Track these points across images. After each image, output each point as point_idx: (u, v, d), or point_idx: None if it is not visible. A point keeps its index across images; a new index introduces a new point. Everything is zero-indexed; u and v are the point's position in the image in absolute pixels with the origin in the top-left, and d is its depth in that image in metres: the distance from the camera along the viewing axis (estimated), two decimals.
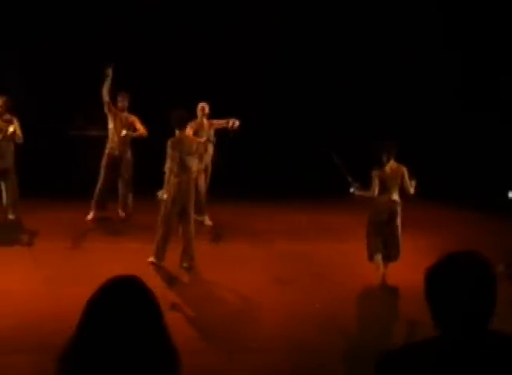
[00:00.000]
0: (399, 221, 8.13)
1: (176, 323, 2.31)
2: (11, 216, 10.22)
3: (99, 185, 10.45)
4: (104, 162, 10.48)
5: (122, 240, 9.66)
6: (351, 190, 8.14)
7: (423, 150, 12.16)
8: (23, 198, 10.38)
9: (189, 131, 10.15)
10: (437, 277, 2.26)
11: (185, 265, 8.45)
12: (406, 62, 12.73)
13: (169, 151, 8.39)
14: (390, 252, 8.16)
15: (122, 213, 10.62)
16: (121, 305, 2.14)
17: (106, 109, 10.27)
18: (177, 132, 8.55)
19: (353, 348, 6.42)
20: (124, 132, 10.26)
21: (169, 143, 8.44)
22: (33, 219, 10.32)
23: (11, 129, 9.78)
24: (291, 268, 8.52)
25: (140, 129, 10.41)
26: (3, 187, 10.22)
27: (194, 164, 8.60)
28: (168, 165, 8.39)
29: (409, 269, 8.32)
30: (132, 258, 8.38)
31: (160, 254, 8.42)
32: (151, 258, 8.39)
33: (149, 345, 2.12)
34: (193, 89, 11.34)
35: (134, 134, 10.40)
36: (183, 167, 8.42)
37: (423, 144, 12.45)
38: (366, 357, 5.88)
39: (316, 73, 12.88)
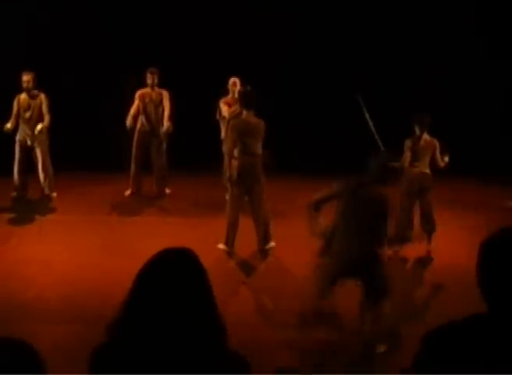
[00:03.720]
0: (431, 195, 8.20)
1: (219, 297, 2.29)
2: (47, 192, 10.33)
3: (132, 163, 10.51)
4: (135, 140, 10.47)
5: (162, 214, 9.72)
6: None
7: (467, 126, 11.99)
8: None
9: (224, 107, 10.07)
10: (492, 251, 2.22)
11: (261, 247, 8.20)
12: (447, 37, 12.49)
13: (229, 133, 8.05)
14: (427, 225, 8.23)
15: (165, 190, 10.66)
16: (172, 276, 2.15)
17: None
18: (244, 113, 8.13)
19: (395, 325, 6.37)
20: (164, 128, 10.23)
21: (231, 124, 8.11)
22: (74, 193, 10.48)
23: (38, 127, 9.82)
24: None
25: (166, 108, 10.30)
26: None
27: (258, 148, 8.02)
28: (227, 147, 8.12)
29: (453, 247, 8.30)
30: (173, 232, 8.41)
31: (229, 240, 8.10)
32: (221, 245, 8.08)
33: (197, 316, 2.14)
34: (224, 64, 11.27)
35: (166, 125, 10.25)
36: (246, 151, 7.95)
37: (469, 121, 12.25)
38: (409, 334, 5.91)
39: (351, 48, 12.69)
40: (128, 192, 10.55)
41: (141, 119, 10.43)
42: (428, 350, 2.23)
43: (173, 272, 2.16)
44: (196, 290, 2.16)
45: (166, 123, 10.24)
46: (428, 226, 8.23)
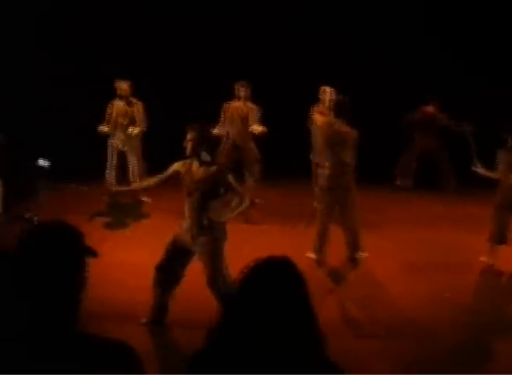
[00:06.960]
0: None
1: None
2: (139, 197, 10.43)
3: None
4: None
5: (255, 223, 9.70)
6: (474, 168, 8.08)
7: None
8: None
9: (316, 116, 10.01)
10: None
11: (350, 255, 8.15)
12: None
13: (316, 140, 8.18)
14: None
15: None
16: (275, 285, 2.17)
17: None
18: (335, 121, 7.98)
19: (484, 340, 6.24)
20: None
21: (321, 133, 8.12)
22: (168, 198, 10.67)
23: (135, 131, 10.10)
24: (423, 256, 8.32)
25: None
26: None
27: (347, 157, 7.81)
28: (316, 156, 8.14)
29: None
30: (265, 240, 8.40)
31: (318, 248, 8.04)
32: (310, 254, 7.99)
33: (298, 325, 2.15)
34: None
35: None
36: (334, 160, 7.84)
37: None
38: (497, 349, 5.77)
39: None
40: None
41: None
42: None
43: (277, 280, 2.18)
44: (297, 299, 2.18)
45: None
46: None
